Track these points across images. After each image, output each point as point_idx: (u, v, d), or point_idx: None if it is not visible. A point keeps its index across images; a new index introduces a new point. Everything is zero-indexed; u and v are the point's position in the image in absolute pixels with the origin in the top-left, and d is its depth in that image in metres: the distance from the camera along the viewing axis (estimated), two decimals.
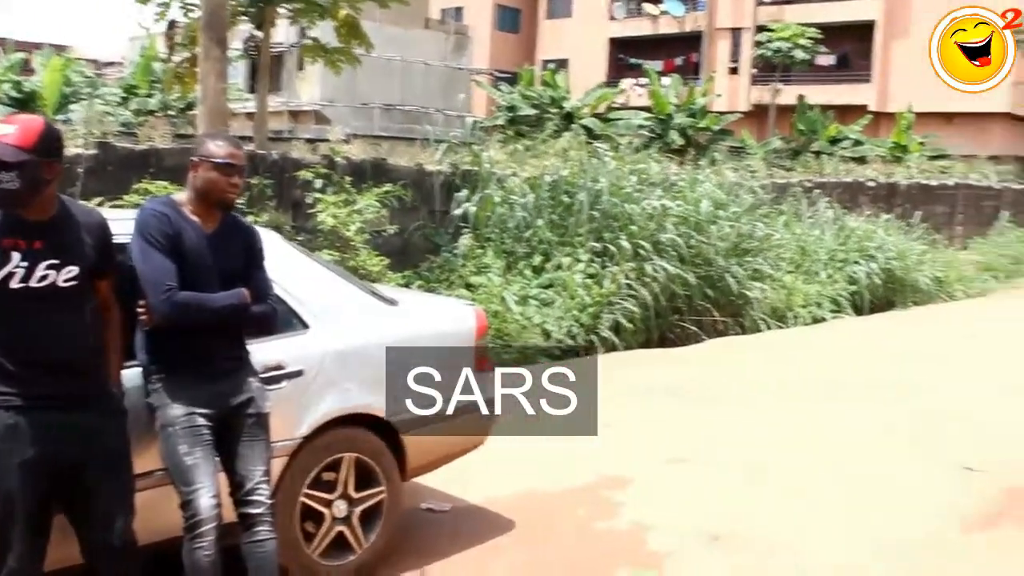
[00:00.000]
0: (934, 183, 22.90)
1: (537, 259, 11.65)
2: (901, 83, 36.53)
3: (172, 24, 12.41)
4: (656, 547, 5.27)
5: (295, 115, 32.31)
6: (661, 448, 7.12)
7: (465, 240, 11.59)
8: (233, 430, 3.85)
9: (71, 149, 9.80)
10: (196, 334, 3.79)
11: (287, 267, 4.44)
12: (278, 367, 4.26)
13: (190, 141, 15.50)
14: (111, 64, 54.21)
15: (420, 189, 11.95)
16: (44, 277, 3.40)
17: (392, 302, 5.02)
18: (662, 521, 5.61)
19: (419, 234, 11.73)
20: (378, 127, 30.46)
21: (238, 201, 4.07)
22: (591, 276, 11.37)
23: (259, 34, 12.28)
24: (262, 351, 4.15)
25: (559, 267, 11.48)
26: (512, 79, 35.20)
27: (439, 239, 11.76)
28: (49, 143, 3.39)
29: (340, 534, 4.58)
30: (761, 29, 37.95)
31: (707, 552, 5.23)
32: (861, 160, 26.63)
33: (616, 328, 11.12)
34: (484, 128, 27.31)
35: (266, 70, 11.95)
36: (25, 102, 27.58)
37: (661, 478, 6.47)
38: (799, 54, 34.15)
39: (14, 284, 3.36)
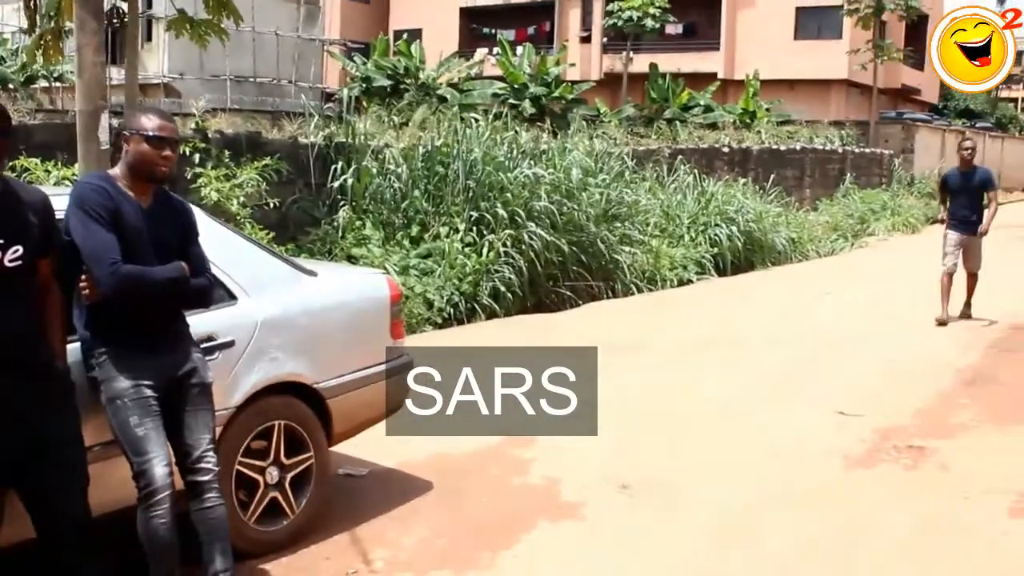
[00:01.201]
0: (783, 148, 23.83)
1: (415, 229, 11.78)
2: (747, 51, 37.73)
3: None
4: (570, 498, 5.55)
5: (143, 88, 31.41)
6: (555, 406, 7.39)
7: (343, 212, 11.62)
8: (178, 400, 3.93)
9: None
10: (139, 307, 3.84)
11: (213, 240, 4.49)
12: (210, 338, 4.33)
13: (57, 116, 15.08)
14: None
15: (295, 162, 11.91)
16: None
17: (312, 273, 5.12)
18: (571, 475, 5.89)
19: (296, 207, 11.71)
20: (231, 100, 29.86)
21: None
22: (469, 245, 11.57)
23: (123, 5, 11.99)
24: (194, 323, 4.21)
25: (437, 237, 11.64)
26: (365, 50, 34.92)
27: (317, 212, 11.76)
28: (2, 122, 3.41)
29: (273, 500, 4.70)
30: None
31: (619, 500, 5.53)
32: (712, 126, 27.40)
33: (495, 295, 11.35)
34: (341, 100, 27.10)
35: (134, 42, 11.68)
36: None
37: (561, 434, 6.73)
38: (649, 23, 34.80)
39: None
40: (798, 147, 24.68)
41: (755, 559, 4.78)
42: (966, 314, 11.15)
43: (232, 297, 4.55)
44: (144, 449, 3.75)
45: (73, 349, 3.88)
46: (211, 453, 3.96)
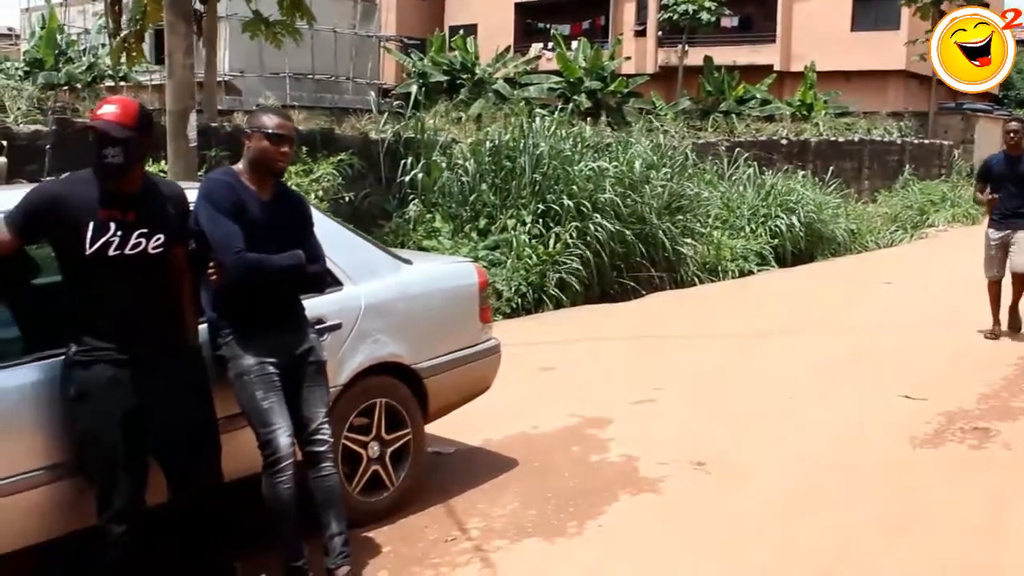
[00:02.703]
0: (841, 140, 23.90)
1: (483, 222, 12.11)
2: (803, 43, 37.61)
3: None
4: (648, 474, 5.83)
5: (200, 86, 32.06)
6: (628, 391, 7.71)
7: (414, 206, 11.99)
8: (296, 377, 4.28)
9: (30, 126, 9.98)
10: (261, 291, 4.19)
11: (320, 230, 4.82)
12: (319, 321, 4.67)
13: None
14: (2, 36, 52.86)
15: (366, 157, 12.31)
16: (137, 245, 3.76)
17: (408, 261, 5.47)
18: (648, 453, 6.17)
19: (368, 201, 12.10)
20: (290, 96, 30.38)
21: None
22: (536, 237, 11.88)
23: (200, 7, 12.46)
24: (306, 307, 4.54)
25: (504, 229, 11.96)
26: (421, 46, 35.31)
27: (388, 206, 12.15)
28: (145, 121, 3.77)
29: (375, 473, 5.04)
30: None
31: (695, 476, 5.82)
32: (769, 119, 27.53)
33: (562, 285, 11.65)
34: (403, 96, 27.53)
35: (212, 43, 12.15)
36: None
37: (636, 417, 7.05)
38: (705, 16, 34.88)
39: (111, 252, 3.72)
40: (856, 139, 24.73)
41: (825, 531, 5.03)
42: (1015, 326, 9.81)
43: (338, 283, 4.89)
44: (269, 421, 4.10)
45: (202, 330, 4.24)
46: (326, 426, 4.31)
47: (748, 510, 5.31)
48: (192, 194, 4.18)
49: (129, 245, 3.75)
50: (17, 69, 29.11)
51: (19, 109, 12.06)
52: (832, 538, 4.95)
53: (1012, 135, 9.53)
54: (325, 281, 4.55)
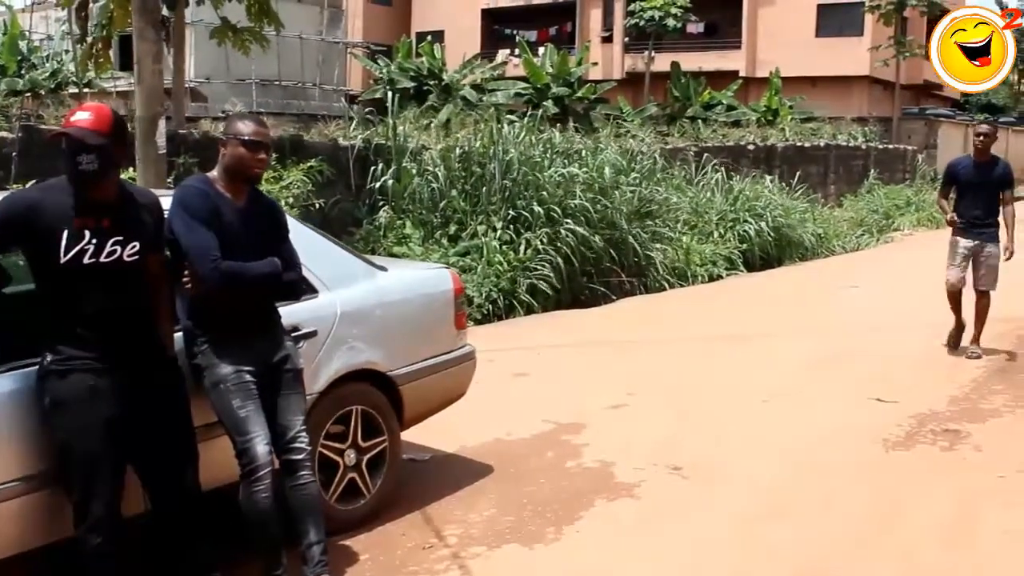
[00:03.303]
0: (807, 145, 24.09)
1: (453, 228, 12.12)
2: (768, 49, 37.94)
3: (84, 4, 12.40)
4: (625, 479, 5.84)
5: (168, 92, 31.82)
6: (600, 396, 7.72)
7: (384, 212, 11.97)
8: (273, 385, 4.25)
9: None
10: (237, 299, 4.16)
11: (295, 237, 4.79)
12: (295, 328, 4.64)
13: None
14: None
15: (335, 164, 12.27)
16: (112, 253, 3.73)
17: (383, 268, 5.45)
18: (623, 458, 6.19)
19: (338, 208, 12.06)
20: (256, 103, 30.21)
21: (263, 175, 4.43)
22: (506, 243, 11.88)
23: (168, 14, 12.37)
24: (281, 315, 4.53)
25: (475, 235, 11.95)
26: (388, 52, 35.24)
27: (358, 212, 12.11)
28: (119, 128, 3.75)
29: (351, 481, 5.02)
30: None
31: (671, 481, 5.83)
32: (736, 124, 27.68)
33: (532, 291, 11.66)
34: (367, 102, 27.47)
35: (180, 49, 12.07)
36: None
37: (610, 422, 7.07)
38: (671, 22, 35.07)
39: (86, 260, 3.68)
40: (822, 144, 24.93)
41: (802, 532, 5.06)
42: (974, 353, 8.96)
43: (314, 290, 4.87)
44: (247, 429, 4.07)
45: (177, 338, 4.20)
46: (304, 434, 4.28)
47: (724, 514, 5.32)
48: (167, 202, 4.15)
49: (104, 253, 3.72)
50: None
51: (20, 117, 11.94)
52: (807, 541, 4.97)
53: (981, 139, 8.84)
54: (302, 288, 4.53)
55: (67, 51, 27.80)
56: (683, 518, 5.28)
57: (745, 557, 4.78)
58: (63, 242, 3.63)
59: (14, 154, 9.18)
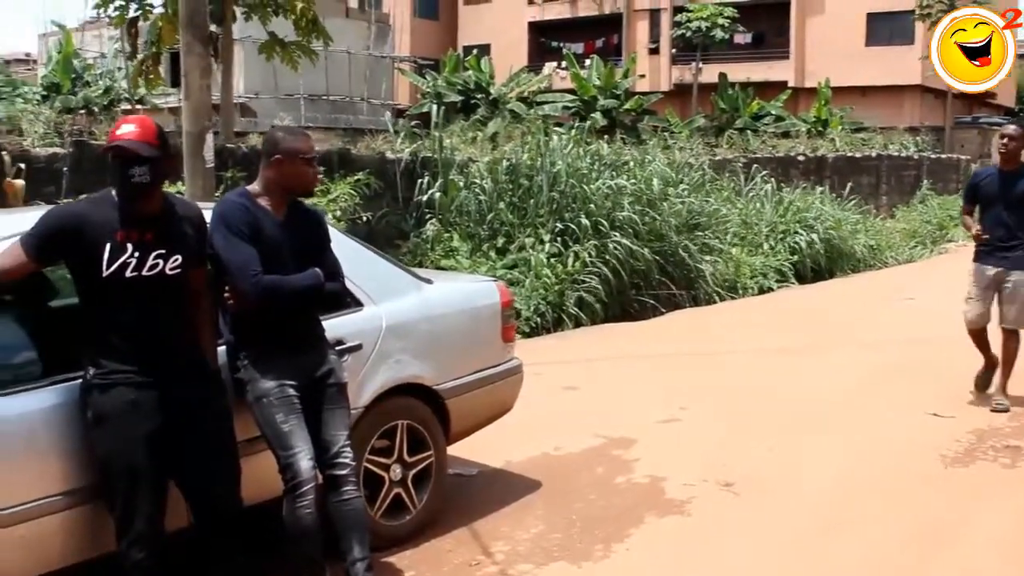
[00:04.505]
0: (858, 155, 23.80)
1: (501, 241, 12.05)
2: (817, 59, 37.60)
3: (134, 22, 12.52)
4: (675, 495, 5.72)
5: (217, 108, 32.12)
6: (652, 410, 7.59)
7: (431, 225, 11.93)
8: (317, 399, 4.19)
9: (47, 149, 9.97)
10: (279, 313, 4.11)
11: (340, 251, 4.74)
12: (339, 342, 4.57)
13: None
14: (20, 61, 53.24)
15: (382, 177, 12.27)
16: (154, 266, 3.70)
17: (428, 281, 5.38)
18: (674, 473, 6.06)
19: (385, 221, 12.05)
20: (305, 118, 30.44)
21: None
22: (554, 255, 11.79)
23: (216, 29, 12.46)
24: (325, 328, 4.47)
25: (522, 248, 11.88)
26: (435, 66, 35.38)
27: (405, 225, 12.09)
28: (165, 140, 3.72)
29: (397, 496, 4.94)
30: (678, 10, 38.73)
31: (722, 497, 5.70)
32: (785, 135, 27.45)
33: (581, 304, 11.56)
34: (415, 116, 27.56)
35: (228, 65, 12.14)
36: None
37: (661, 436, 6.94)
38: (718, 33, 34.91)
39: (128, 273, 3.65)
40: (873, 154, 24.61)
41: (856, 553, 4.90)
42: (1000, 405, 7.53)
43: (359, 304, 4.81)
44: (290, 444, 4.01)
45: (220, 352, 4.16)
46: (348, 449, 4.21)
47: (777, 531, 5.19)
48: (209, 214, 4.11)
49: (146, 266, 3.68)
50: (35, 93, 29.26)
51: (36, 132, 12.09)
52: (863, 560, 4.83)
53: (1005, 143, 7.53)
54: (344, 299, 4.48)
55: (120, 68, 28.20)
56: (734, 536, 5.15)
57: None
58: (105, 255, 3.60)
59: (65, 169, 9.25)
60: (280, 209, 4.22)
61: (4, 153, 8.94)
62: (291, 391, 4.09)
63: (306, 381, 4.17)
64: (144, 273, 3.68)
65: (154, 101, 27.17)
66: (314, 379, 4.20)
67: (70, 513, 3.73)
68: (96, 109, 27.21)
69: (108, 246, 3.61)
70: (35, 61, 45.15)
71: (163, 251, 3.72)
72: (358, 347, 4.70)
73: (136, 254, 3.66)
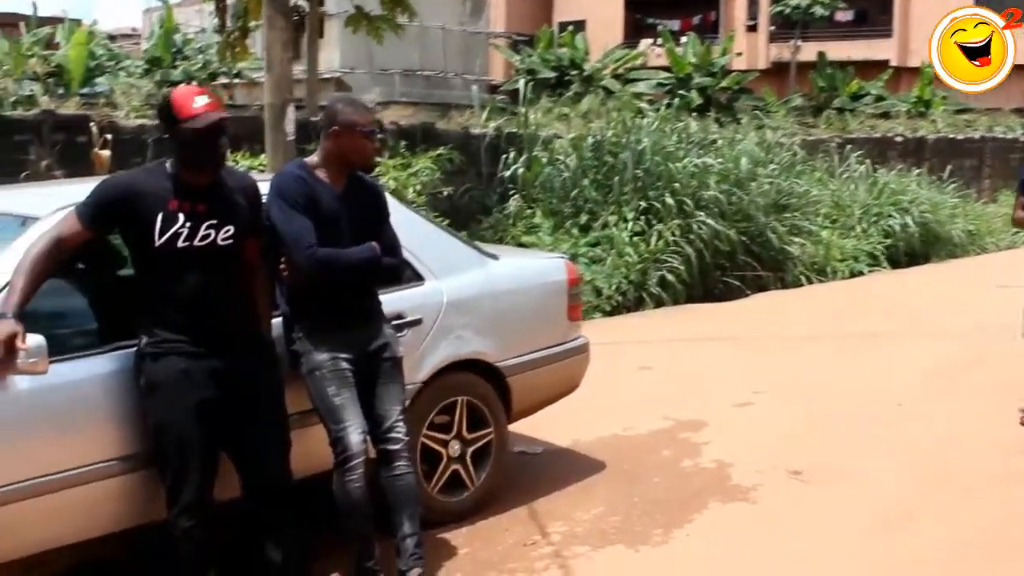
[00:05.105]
0: (960, 137, 23.03)
1: (584, 218, 11.94)
2: (921, 37, 36.39)
3: None
4: (741, 481, 5.58)
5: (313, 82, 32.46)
6: (726, 393, 7.44)
7: (514, 201, 11.87)
8: (371, 373, 4.16)
9: (135, 121, 10.14)
10: (335, 286, 4.09)
11: (402, 224, 4.69)
12: (399, 316, 4.55)
13: (242, 110, 15.82)
14: (126, 36, 54.46)
15: (466, 152, 12.25)
16: (206, 236, 3.69)
17: (494, 256, 5.32)
18: (742, 459, 5.92)
19: (467, 196, 12.03)
20: (399, 93, 30.60)
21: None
22: (638, 234, 11.65)
23: (304, 3, 12.53)
24: (384, 302, 4.41)
25: (605, 225, 11.75)
26: (529, 42, 35.18)
27: (488, 200, 12.05)
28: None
29: (455, 472, 4.91)
30: None
31: (790, 486, 5.55)
32: (884, 115, 26.72)
33: (663, 284, 11.40)
34: (511, 91, 27.47)
35: (315, 38, 12.22)
36: (53, 76, 27.84)
37: (733, 421, 6.80)
38: (818, 10, 34.11)
39: (180, 243, 3.65)
40: (977, 136, 23.80)
41: (928, 548, 4.72)
42: None
43: (419, 278, 4.78)
44: (341, 417, 3.99)
45: (276, 323, 4.15)
46: (401, 423, 4.18)
47: (846, 523, 5.02)
48: (265, 186, 4.10)
49: (198, 237, 3.68)
50: (137, 67, 29.88)
51: (132, 105, 12.31)
52: (935, 555, 4.64)
53: None
54: (401, 272, 4.44)
55: (217, 43, 28.69)
56: (800, 526, 5.00)
57: (866, 571, 4.49)
58: (158, 225, 3.61)
59: (150, 140, 9.39)
60: (338, 182, 4.19)
61: (92, 124, 9.11)
62: (344, 364, 4.07)
63: (360, 355, 4.14)
64: (196, 243, 3.67)
65: (251, 75, 27.56)
66: (368, 353, 4.17)
67: (124, 479, 3.77)
68: (197, 83, 27.70)
69: (160, 216, 3.61)
70: (140, 36, 46.13)
71: (215, 222, 3.71)
72: (418, 322, 4.67)
73: (188, 224, 3.66)
